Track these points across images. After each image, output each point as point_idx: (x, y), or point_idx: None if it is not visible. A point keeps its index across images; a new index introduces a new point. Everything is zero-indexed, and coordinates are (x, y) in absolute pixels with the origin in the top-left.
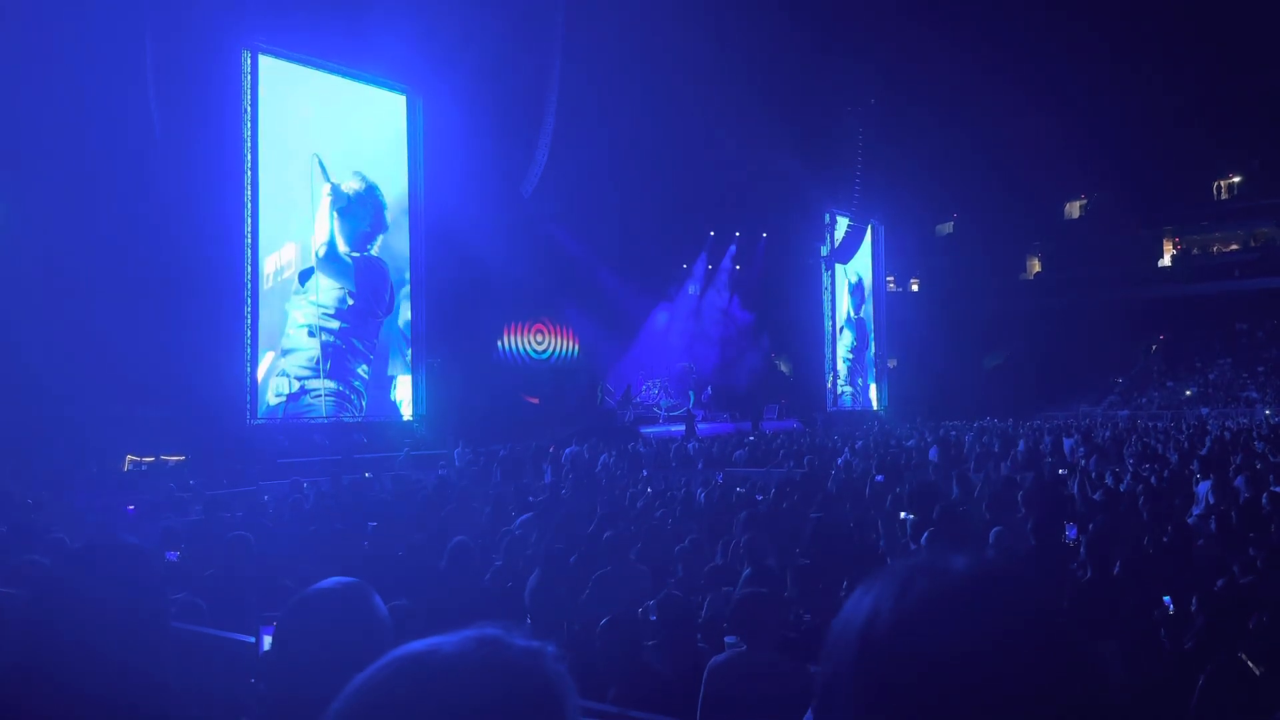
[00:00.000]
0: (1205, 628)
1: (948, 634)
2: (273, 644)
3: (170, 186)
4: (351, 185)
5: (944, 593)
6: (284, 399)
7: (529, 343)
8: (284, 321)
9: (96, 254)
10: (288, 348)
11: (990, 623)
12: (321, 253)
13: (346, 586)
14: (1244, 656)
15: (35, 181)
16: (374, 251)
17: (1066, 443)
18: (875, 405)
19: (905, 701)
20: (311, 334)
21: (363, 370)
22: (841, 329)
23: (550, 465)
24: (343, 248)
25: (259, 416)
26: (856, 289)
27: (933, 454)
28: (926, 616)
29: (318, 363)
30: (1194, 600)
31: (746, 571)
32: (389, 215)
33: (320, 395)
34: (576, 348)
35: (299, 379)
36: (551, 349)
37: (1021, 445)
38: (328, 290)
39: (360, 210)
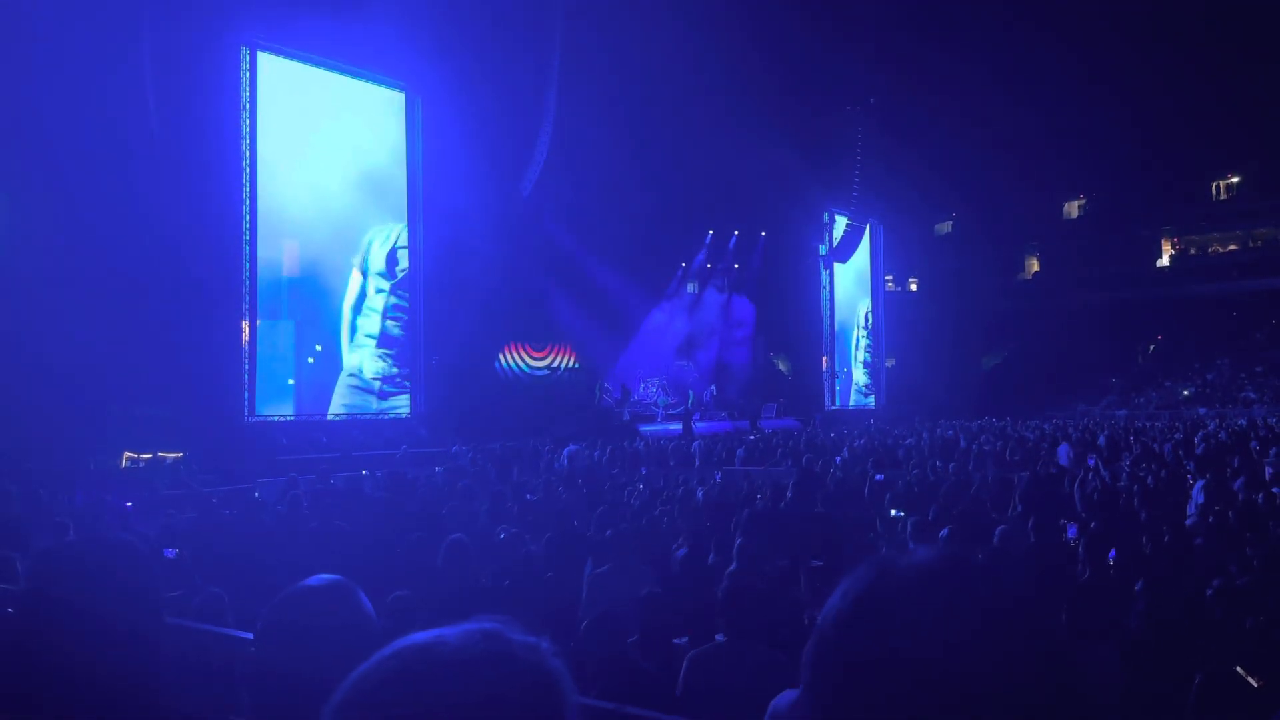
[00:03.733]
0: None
1: (885, 628)
2: (257, 641)
3: (168, 183)
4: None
5: (886, 588)
6: (379, 376)
7: (527, 360)
8: (279, 304)
9: (93, 251)
10: (379, 334)
11: (930, 616)
12: (367, 290)
13: (331, 584)
14: (1242, 670)
15: (31, 178)
16: (401, 267)
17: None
18: (872, 405)
19: (852, 690)
20: (399, 324)
21: (399, 374)
22: (857, 341)
23: (547, 463)
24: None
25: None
26: (872, 299)
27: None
28: (865, 610)
29: (397, 353)
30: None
31: (732, 567)
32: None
33: (401, 379)
34: (575, 362)
35: (393, 362)
36: (550, 364)
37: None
38: (405, 285)
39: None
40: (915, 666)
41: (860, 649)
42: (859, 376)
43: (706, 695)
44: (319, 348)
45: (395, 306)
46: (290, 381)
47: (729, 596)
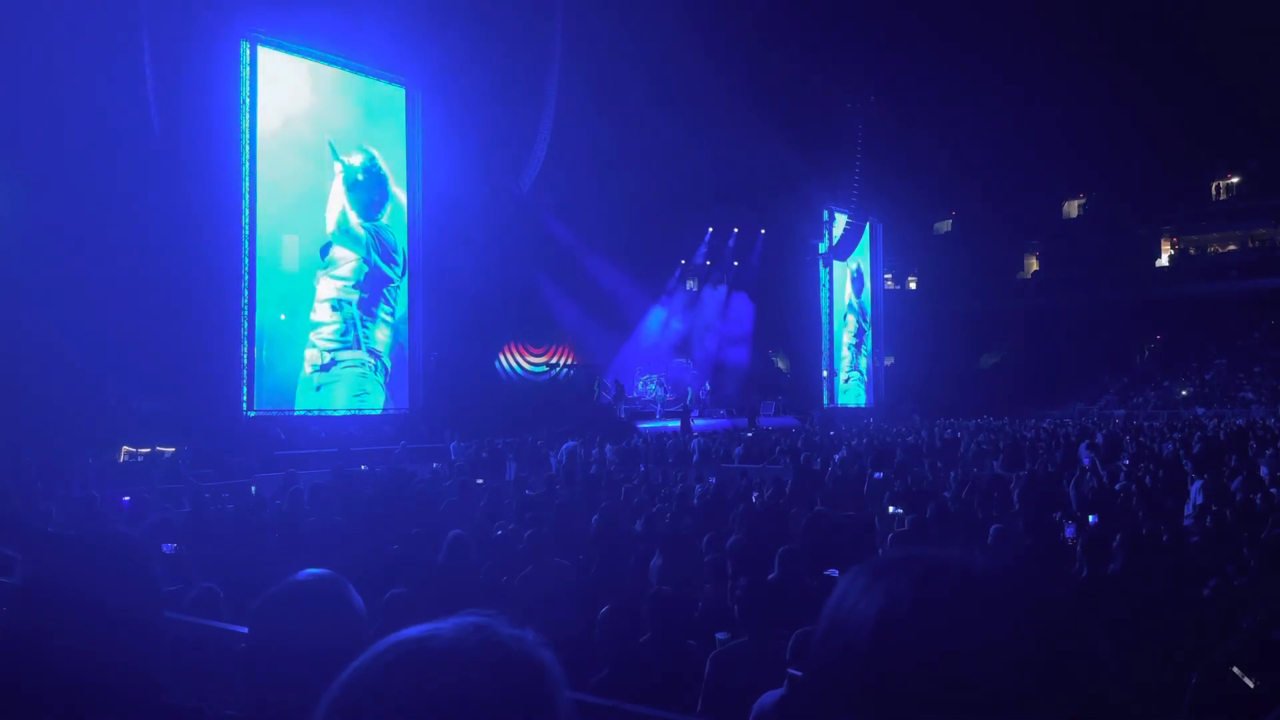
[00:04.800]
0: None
1: (970, 631)
2: (249, 636)
3: (168, 177)
4: (357, 159)
5: (968, 590)
6: (317, 369)
7: (526, 360)
8: (278, 298)
9: (93, 245)
10: (315, 321)
11: (1014, 621)
12: (337, 228)
13: (322, 579)
14: (1238, 670)
15: (32, 172)
16: (384, 220)
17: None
18: (871, 403)
19: (922, 696)
20: (334, 308)
21: (385, 335)
22: (845, 315)
23: (544, 459)
24: (355, 221)
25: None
26: (857, 277)
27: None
28: (950, 613)
29: (344, 335)
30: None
31: (774, 574)
32: (392, 188)
33: (351, 365)
34: (572, 362)
35: (329, 351)
36: (549, 362)
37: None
38: (346, 263)
39: (368, 182)
40: (966, 675)
41: (911, 657)
42: (840, 384)
43: (731, 694)
44: (283, 315)
45: (334, 290)
46: (324, 355)
47: (747, 596)
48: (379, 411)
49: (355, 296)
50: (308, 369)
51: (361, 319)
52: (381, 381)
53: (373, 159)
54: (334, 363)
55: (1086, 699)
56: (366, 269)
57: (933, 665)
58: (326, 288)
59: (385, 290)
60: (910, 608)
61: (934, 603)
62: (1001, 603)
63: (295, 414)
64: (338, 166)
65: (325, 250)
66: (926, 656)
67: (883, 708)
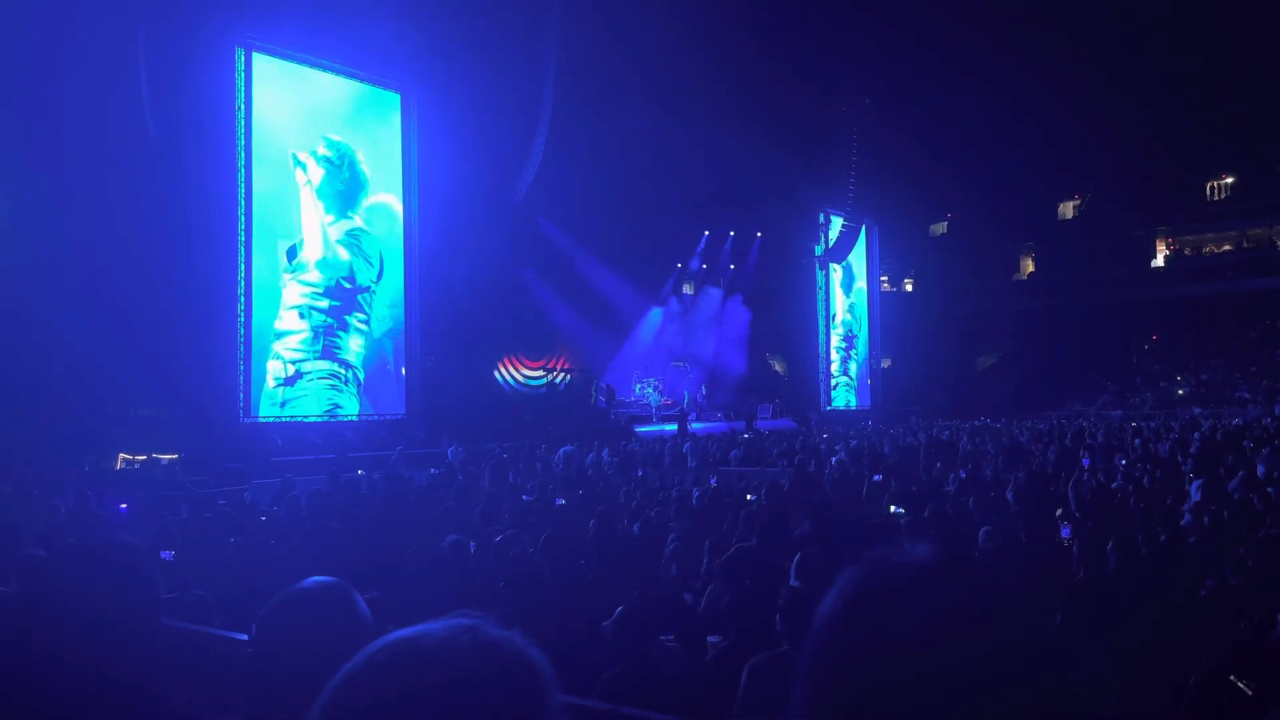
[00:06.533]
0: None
1: (885, 621)
2: (254, 642)
3: (163, 184)
4: (321, 151)
5: (880, 586)
6: (281, 382)
7: (523, 372)
8: (276, 304)
9: (89, 252)
10: (281, 330)
11: (930, 612)
12: (307, 235)
13: (327, 586)
14: (1234, 679)
15: (27, 179)
16: (358, 215)
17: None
18: (869, 405)
19: (850, 685)
20: (302, 316)
21: (358, 344)
22: (834, 316)
23: (541, 465)
24: (328, 220)
25: (258, 415)
26: (845, 276)
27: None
28: (865, 605)
29: (310, 344)
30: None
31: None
32: (365, 171)
33: (316, 378)
34: (569, 368)
35: (294, 362)
36: (546, 367)
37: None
38: (316, 268)
39: (335, 174)
40: (908, 664)
41: (854, 646)
42: (840, 368)
43: (767, 703)
44: (313, 334)
45: (301, 295)
46: (288, 367)
47: (789, 607)
48: (355, 420)
49: (325, 304)
50: (270, 382)
51: (331, 327)
52: (355, 393)
53: (343, 150)
54: (299, 375)
55: (1043, 693)
56: (338, 275)
57: (859, 654)
58: (293, 294)
59: (359, 297)
60: (836, 602)
61: (855, 597)
62: (945, 597)
63: (260, 421)
64: (302, 176)
65: (293, 253)
66: (852, 646)
67: (838, 703)
